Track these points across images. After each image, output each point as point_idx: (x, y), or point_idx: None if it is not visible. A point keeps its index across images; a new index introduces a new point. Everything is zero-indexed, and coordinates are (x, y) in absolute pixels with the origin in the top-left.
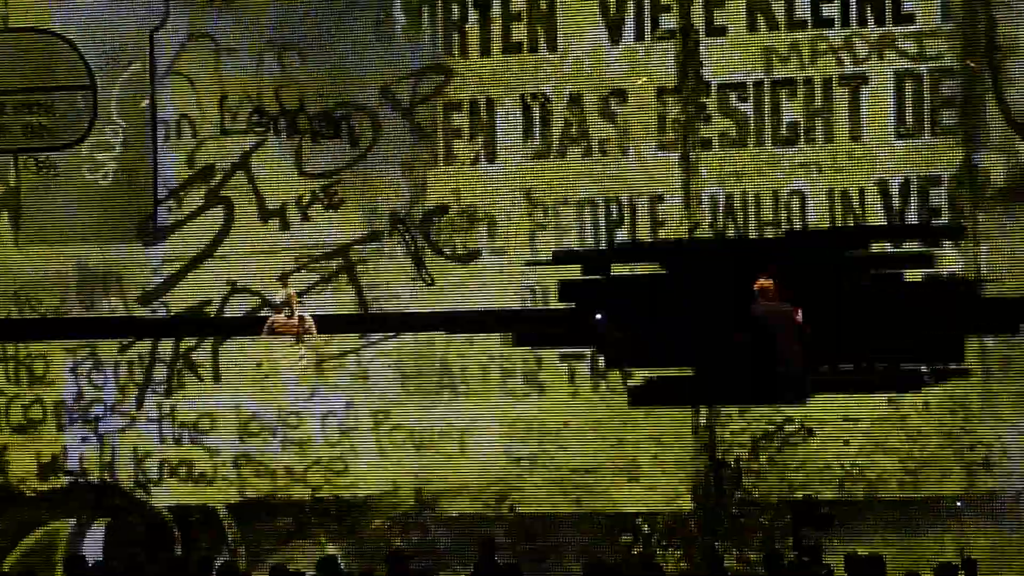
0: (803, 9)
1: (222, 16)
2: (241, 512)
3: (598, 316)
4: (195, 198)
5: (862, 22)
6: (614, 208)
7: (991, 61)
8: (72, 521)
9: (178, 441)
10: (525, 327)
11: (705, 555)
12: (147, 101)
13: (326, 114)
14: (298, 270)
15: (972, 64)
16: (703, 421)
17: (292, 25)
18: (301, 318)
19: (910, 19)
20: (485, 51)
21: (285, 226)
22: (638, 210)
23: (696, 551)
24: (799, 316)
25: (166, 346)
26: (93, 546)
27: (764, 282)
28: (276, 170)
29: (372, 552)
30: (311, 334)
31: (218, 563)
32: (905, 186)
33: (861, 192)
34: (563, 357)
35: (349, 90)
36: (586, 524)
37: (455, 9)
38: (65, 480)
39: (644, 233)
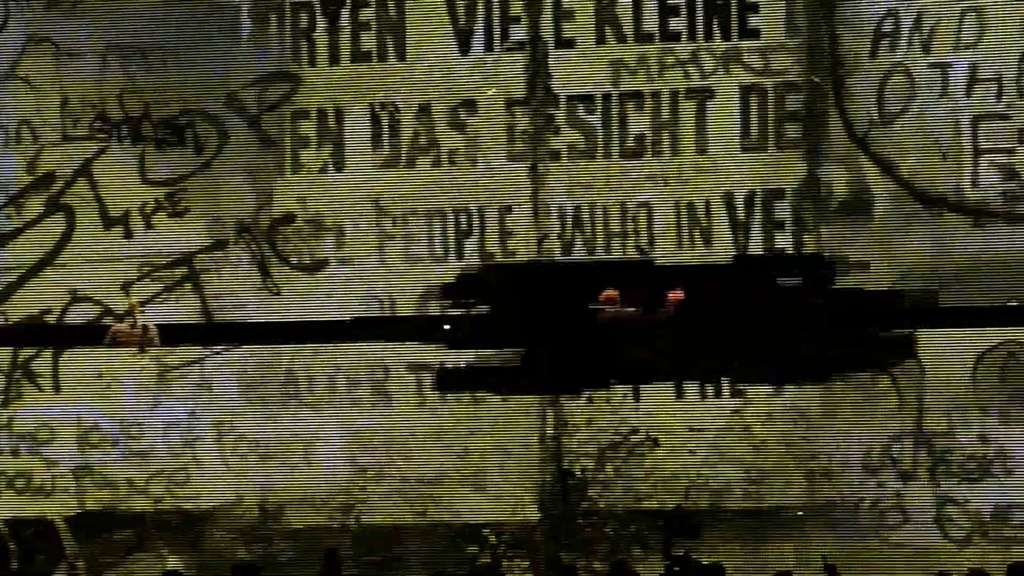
0: (651, 22)
1: (64, 20)
2: (80, 525)
3: (446, 326)
4: (35, 205)
5: (709, 36)
6: (463, 218)
7: (834, 76)
8: None
9: (15, 453)
10: (371, 335)
11: (551, 565)
12: None
13: (171, 121)
14: (141, 279)
15: (815, 79)
16: (550, 431)
17: (136, 30)
18: (144, 327)
19: (756, 34)
20: (334, 59)
21: (128, 234)
22: (487, 221)
23: (542, 561)
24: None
25: (4, 355)
26: None
27: (609, 292)
28: (119, 177)
29: (215, 565)
30: (154, 344)
31: None
32: (750, 199)
33: (707, 204)
34: (410, 367)
35: (194, 97)
36: (432, 535)
37: (303, 17)
38: None
39: (493, 243)
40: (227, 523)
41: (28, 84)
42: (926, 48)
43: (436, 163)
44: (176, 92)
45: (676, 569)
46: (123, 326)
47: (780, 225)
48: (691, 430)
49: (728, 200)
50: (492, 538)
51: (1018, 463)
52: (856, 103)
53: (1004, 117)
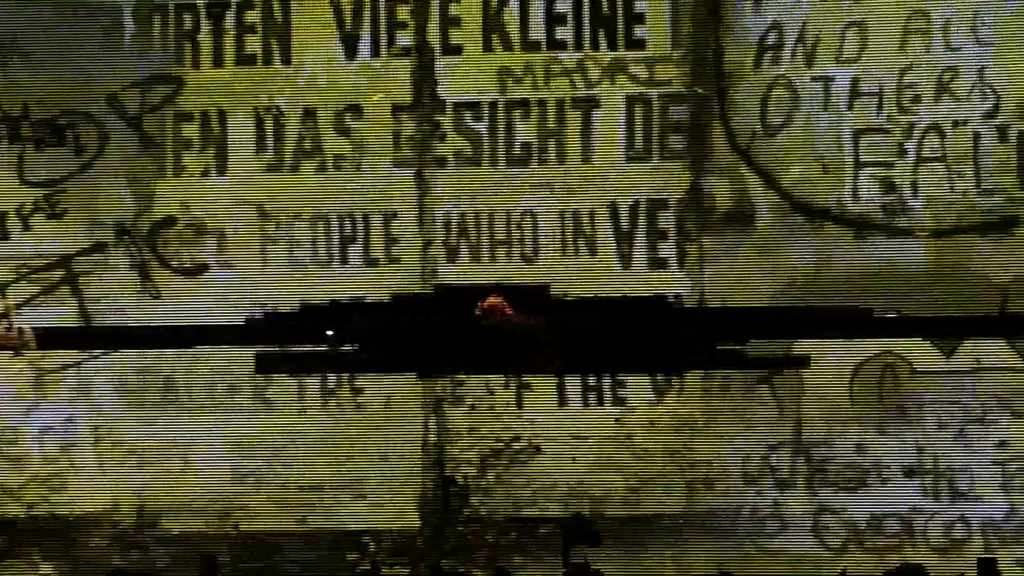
0: (537, 31)
1: None
2: None
3: (329, 332)
4: None
5: (595, 46)
6: (348, 224)
7: (718, 88)
8: None
9: None
10: (256, 339)
11: (432, 572)
12: None
13: (50, 121)
14: (17, 280)
15: (700, 90)
16: (432, 438)
17: (15, 29)
18: (20, 330)
19: (641, 44)
20: (218, 62)
21: (4, 235)
22: (372, 226)
23: (423, 568)
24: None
25: None
26: None
27: (491, 300)
28: None
29: (89, 572)
30: (30, 347)
31: None
32: (635, 208)
33: (592, 213)
34: (293, 373)
35: (75, 97)
36: (311, 542)
37: (187, 18)
38: None
39: (378, 249)
40: (103, 529)
41: None
42: (809, 61)
43: (321, 168)
44: (56, 92)
45: None
46: None
47: (664, 235)
48: (573, 438)
49: (613, 209)
50: (372, 545)
51: (893, 473)
52: (740, 115)
53: (884, 131)
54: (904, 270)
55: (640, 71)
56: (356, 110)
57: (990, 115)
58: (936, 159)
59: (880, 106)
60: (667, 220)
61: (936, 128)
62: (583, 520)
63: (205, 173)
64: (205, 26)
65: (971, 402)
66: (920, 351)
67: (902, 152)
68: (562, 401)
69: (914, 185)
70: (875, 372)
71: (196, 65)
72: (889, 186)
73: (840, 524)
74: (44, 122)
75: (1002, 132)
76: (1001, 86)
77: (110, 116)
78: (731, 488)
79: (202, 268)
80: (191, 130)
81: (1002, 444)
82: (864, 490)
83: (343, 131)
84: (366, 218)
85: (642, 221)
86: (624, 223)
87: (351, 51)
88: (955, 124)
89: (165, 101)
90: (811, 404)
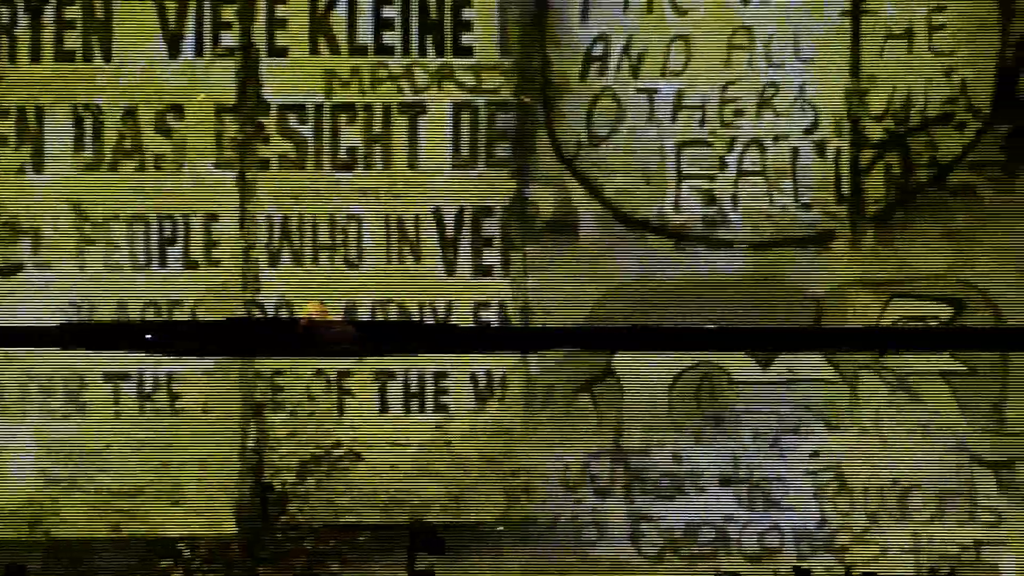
0: (365, 35)
1: None
2: None
3: (148, 335)
4: None
5: (423, 52)
6: (167, 225)
7: (544, 97)
8: None
9: None
10: (68, 342)
11: None
12: None
13: None
14: None
15: (526, 99)
16: (251, 444)
17: None
18: None
19: (468, 52)
20: (35, 57)
21: None
22: (192, 228)
23: (237, 575)
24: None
25: None
26: None
27: (310, 307)
28: None
29: None
30: None
31: None
32: (460, 215)
33: (417, 219)
34: (107, 376)
35: None
36: (125, 549)
37: (4, 12)
38: None
39: (198, 252)
40: None
41: None
42: (635, 73)
43: (141, 168)
44: None
45: None
46: None
47: (488, 243)
48: (394, 444)
49: (438, 216)
50: (187, 552)
51: (709, 482)
52: (565, 125)
53: (706, 144)
54: (724, 281)
55: (467, 78)
56: (178, 110)
57: (809, 131)
58: (756, 173)
59: (703, 119)
60: (492, 228)
61: (757, 142)
62: (427, 527)
63: (20, 171)
64: (23, 20)
65: (786, 413)
66: (737, 361)
67: (723, 165)
68: (383, 407)
69: (734, 198)
70: (693, 382)
71: (12, 60)
72: (710, 198)
73: (657, 532)
74: None
75: (820, 148)
76: (819, 103)
77: None
78: (550, 496)
79: (16, 268)
80: (6, 127)
81: (815, 454)
82: (680, 498)
83: (164, 131)
84: (186, 220)
85: (467, 228)
86: (449, 230)
87: (174, 50)
88: (775, 139)
89: None
90: (630, 413)
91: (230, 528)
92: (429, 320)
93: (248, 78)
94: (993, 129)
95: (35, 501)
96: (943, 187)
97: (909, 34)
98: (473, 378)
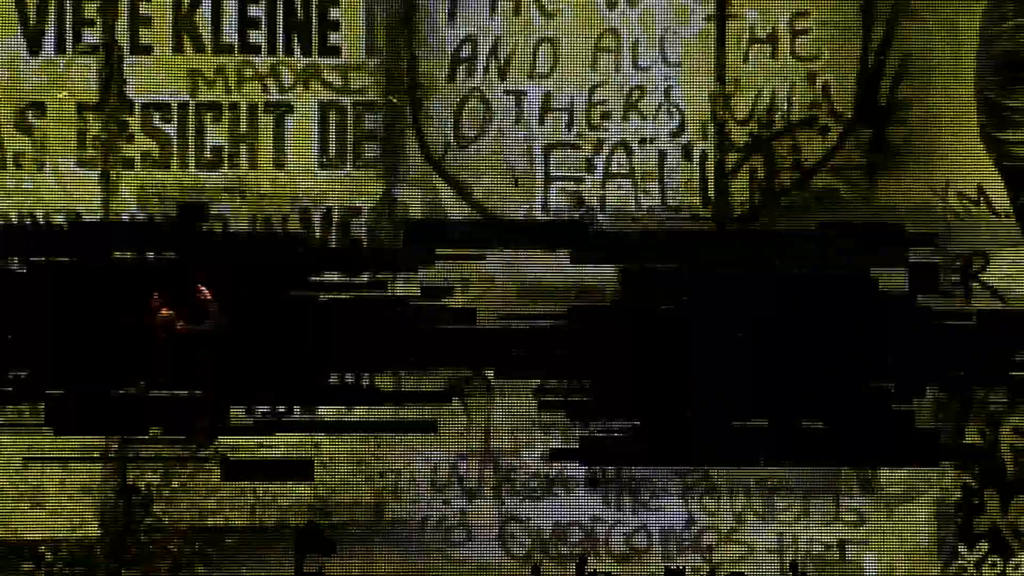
0: (230, 34)
1: None
2: None
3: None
4: None
5: (289, 51)
6: (29, 224)
7: (412, 98)
8: None
9: None
10: None
11: None
12: None
13: None
14: None
15: (394, 99)
16: (115, 446)
17: None
18: None
19: (336, 52)
20: None
21: None
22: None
23: None
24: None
25: None
26: None
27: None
28: None
29: None
30: None
31: None
32: (327, 216)
33: (284, 219)
34: None
35: None
36: None
37: None
38: None
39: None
40: None
41: None
42: (503, 75)
43: (1, 166)
44: None
45: None
46: None
47: (357, 243)
48: (260, 446)
49: (305, 216)
50: (48, 555)
51: (578, 482)
52: (433, 126)
53: (574, 146)
54: (593, 283)
55: (334, 78)
56: (39, 108)
57: (675, 134)
58: (623, 175)
59: (571, 122)
60: (360, 228)
61: (624, 145)
62: (315, 528)
63: None
64: None
65: None
66: None
67: (591, 167)
68: (249, 410)
69: (602, 200)
70: (562, 383)
71: None
72: (578, 200)
73: (525, 533)
74: None
75: (686, 151)
76: (685, 105)
77: None
78: (419, 498)
79: None
80: None
81: None
82: (549, 499)
83: (25, 129)
84: (48, 219)
85: (335, 229)
86: (317, 230)
87: (35, 47)
88: (642, 141)
89: None
90: (499, 414)
91: (93, 530)
92: None
93: (111, 76)
94: (855, 133)
95: None
96: (807, 190)
97: (773, 39)
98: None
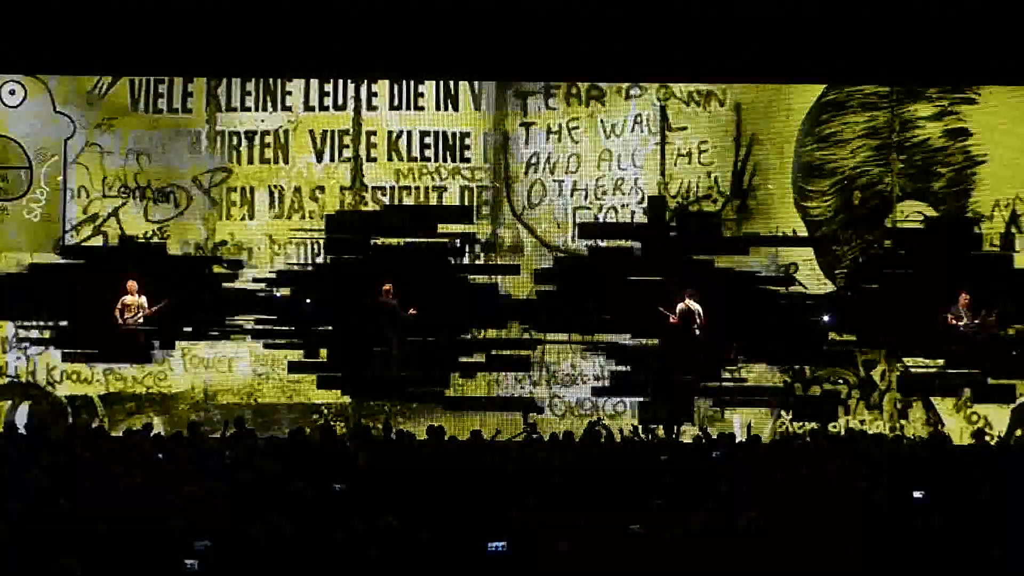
0: (419, 151)
1: (105, 134)
2: None
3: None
4: (86, 231)
5: (445, 159)
6: None
7: (506, 184)
8: (8, 403)
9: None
10: None
11: None
12: (60, 177)
13: (162, 189)
14: None
15: (497, 184)
16: None
17: (147, 143)
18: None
19: (468, 160)
20: None
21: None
22: None
23: None
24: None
25: None
26: (21, 418)
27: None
28: None
29: None
30: None
31: (94, 425)
32: (467, 238)
33: (454, 239)
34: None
35: (174, 177)
36: None
37: None
38: (5, 379)
39: None
40: None
41: (85, 167)
42: (551, 172)
43: None
44: (165, 174)
45: None
46: None
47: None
48: None
49: (464, 239)
50: None
51: None
52: (517, 198)
53: (587, 209)
54: None
55: (468, 173)
56: None
57: (640, 203)
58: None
59: (586, 196)
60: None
61: (613, 208)
62: None
63: None
64: None
65: None
66: None
67: (596, 220)
68: None
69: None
70: None
71: None
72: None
73: None
74: (159, 190)
75: (645, 212)
76: (646, 189)
77: (193, 188)
78: None
79: None
80: None
81: None
82: None
83: None
84: None
85: (468, 251)
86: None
87: None
88: (623, 207)
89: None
90: None
91: None
92: None
93: None
94: (732, 202)
95: None
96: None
97: (689, 155)
98: None
